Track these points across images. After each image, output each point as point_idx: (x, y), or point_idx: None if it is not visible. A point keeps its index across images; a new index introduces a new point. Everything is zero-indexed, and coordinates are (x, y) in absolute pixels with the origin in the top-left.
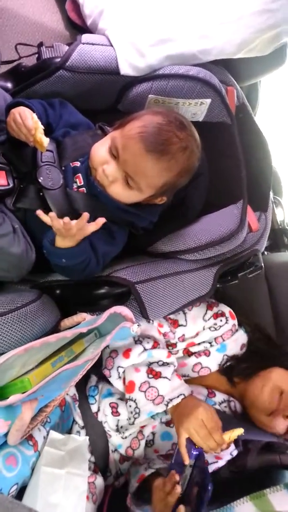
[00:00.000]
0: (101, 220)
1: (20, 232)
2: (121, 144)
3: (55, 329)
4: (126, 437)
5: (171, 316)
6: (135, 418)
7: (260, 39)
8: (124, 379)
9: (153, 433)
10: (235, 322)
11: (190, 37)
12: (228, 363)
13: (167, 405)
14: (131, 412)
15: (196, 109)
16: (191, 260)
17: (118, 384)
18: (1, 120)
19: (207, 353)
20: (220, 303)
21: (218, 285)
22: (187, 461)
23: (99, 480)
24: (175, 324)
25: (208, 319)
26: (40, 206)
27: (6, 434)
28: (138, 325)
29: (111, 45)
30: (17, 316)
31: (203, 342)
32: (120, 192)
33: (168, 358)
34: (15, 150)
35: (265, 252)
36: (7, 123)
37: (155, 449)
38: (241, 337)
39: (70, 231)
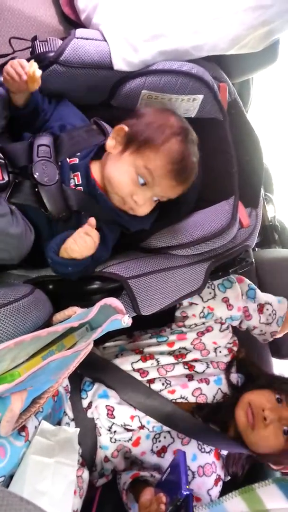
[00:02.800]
0: (92, 220)
1: (17, 213)
2: (155, 179)
3: (48, 323)
4: (115, 441)
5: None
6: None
7: (253, 36)
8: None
9: (141, 460)
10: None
11: (184, 32)
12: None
13: None
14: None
15: (189, 105)
16: (183, 255)
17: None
18: None
19: (207, 381)
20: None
21: (209, 281)
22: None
23: (86, 474)
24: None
25: (226, 345)
26: (35, 201)
27: None
28: (128, 317)
29: (105, 40)
30: (9, 311)
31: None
32: (145, 211)
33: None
34: (11, 144)
35: (256, 248)
36: (3, 72)
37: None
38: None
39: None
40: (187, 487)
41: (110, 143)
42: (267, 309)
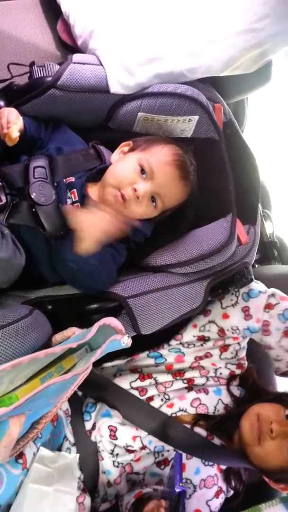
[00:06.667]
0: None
1: (9, 237)
2: (156, 168)
3: (47, 344)
4: (117, 466)
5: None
6: None
7: (246, 58)
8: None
9: (143, 474)
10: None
11: (178, 55)
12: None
13: None
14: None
15: (185, 125)
16: (182, 273)
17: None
18: None
19: (206, 390)
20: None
21: (209, 298)
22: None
23: (88, 501)
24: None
25: (226, 365)
26: (33, 221)
27: None
28: (128, 337)
29: (101, 64)
30: (8, 332)
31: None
32: (142, 210)
33: None
34: (7, 166)
35: (256, 265)
36: None
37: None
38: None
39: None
40: (181, 484)
41: (114, 157)
42: None
